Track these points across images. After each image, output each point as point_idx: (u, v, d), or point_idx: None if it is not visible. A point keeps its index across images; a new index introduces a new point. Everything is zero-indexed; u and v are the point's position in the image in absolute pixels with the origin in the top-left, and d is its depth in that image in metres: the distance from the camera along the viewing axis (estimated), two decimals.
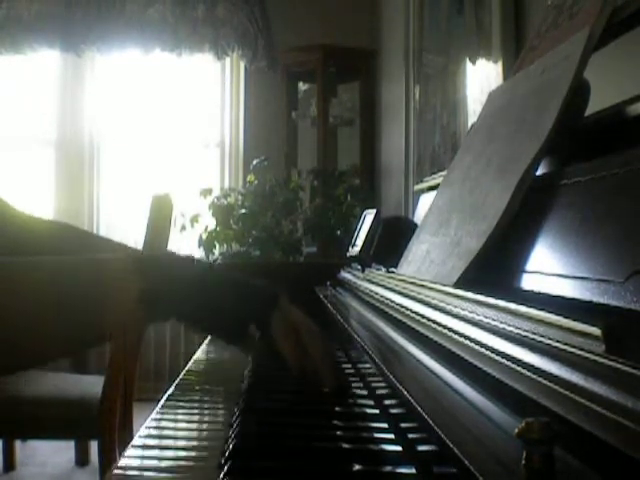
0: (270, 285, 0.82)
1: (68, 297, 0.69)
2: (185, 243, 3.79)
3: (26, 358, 0.71)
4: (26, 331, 0.66)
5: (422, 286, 0.73)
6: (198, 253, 3.72)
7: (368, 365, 0.76)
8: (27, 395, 2.11)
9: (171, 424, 0.69)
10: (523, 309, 0.45)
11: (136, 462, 0.57)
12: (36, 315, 0.66)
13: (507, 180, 0.67)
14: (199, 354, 1.09)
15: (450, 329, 0.56)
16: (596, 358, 0.34)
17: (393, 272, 0.95)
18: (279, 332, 0.77)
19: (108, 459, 1.99)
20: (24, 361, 0.73)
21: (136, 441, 0.61)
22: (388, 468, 0.53)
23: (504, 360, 0.43)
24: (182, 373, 0.94)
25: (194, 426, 0.71)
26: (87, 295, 0.70)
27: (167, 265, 0.76)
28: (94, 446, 2.21)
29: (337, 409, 0.71)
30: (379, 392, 0.69)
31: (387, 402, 0.65)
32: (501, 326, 0.47)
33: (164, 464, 0.56)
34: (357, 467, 0.53)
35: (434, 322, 0.61)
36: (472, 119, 2.04)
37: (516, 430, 0.30)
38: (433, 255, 0.81)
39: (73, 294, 0.69)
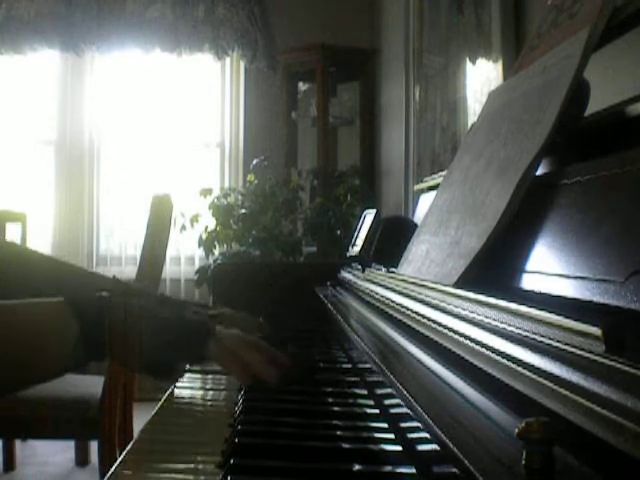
0: (202, 319, 0.86)
1: (4, 339, 0.73)
2: (185, 243, 3.80)
3: None
4: None
5: (422, 286, 0.73)
6: (198, 253, 3.72)
7: (368, 365, 0.76)
8: (27, 395, 2.11)
9: (171, 424, 0.69)
10: (523, 309, 0.45)
11: (136, 462, 0.57)
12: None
13: (507, 180, 0.67)
14: None
15: (450, 329, 0.56)
16: (596, 358, 0.34)
17: (393, 272, 0.95)
18: (220, 360, 0.81)
19: (108, 459, 1.99)
20: None
21: (136, 441, 0.61)
22: (388, 468, 0.53)
23: (504, 360, 0.43)
24: (182, 373, 0.93)
25: (194, 426, 0.71)
26: (24, 338, 0.74)
27: (100, 307, 0.79)
28: (94, 446, 2.21)
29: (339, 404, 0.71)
30: (379, 392, 0.69)
31: (387, 402, 0.65)
32: (501, 326, 0.47)
33: (164, 464, 0.56)
34: (357, 467, 0.53)
35: (434, 322, 0.60)
36: (472, 119, 2.04)
37: (516, 430, 0.30)
38: (433, 255, 0.81)
39: (9, 337, 0.74)
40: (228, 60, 4.06)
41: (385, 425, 0.63)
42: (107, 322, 0.77)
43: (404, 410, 0.55)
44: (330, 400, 0.75)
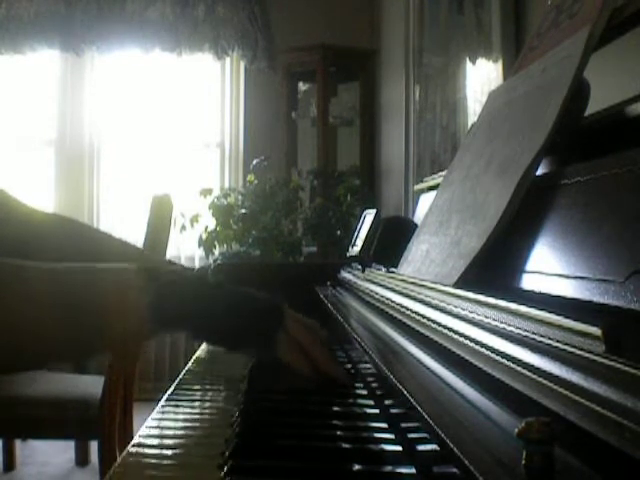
0: (273, 299, 0.83)
1: (72, 304, 0.70)
2: (185, 243, 3.80)
3: (27, 360, 0.71)
4: (29, 334, 0.67)
5: (422, 286, 0.73)
6: (198, 253, 3.72)
7: (368, 365, 0.76)
8: (27, 395, 2.11)
9: (171, 424, 0.69)
10: (523, 309, 0.45)
11: (136, 462, 0.57)
12: (39, 319, 0.67)
13: (507, 180, 0.67)
14: (199, 354, 1.09)
15: (450, 329, 0.56)
16: (596, 358, 0.34)
17: (393, 272, 0.95)
18: (287, 355, 0.78)
19: (108, 459, 1.99)
20: (25, 363, 0.73)
21: (136, 441, 0.61)
22: (388, 468, 0.53)
23: (504, 360, 0.43)
24: (182, 373, 0.93)
25: (194, 426, 0.71)
26: (90, 305, 0.71)
27: (173, 279, 0.76)
28: (94, 446, 2.21)
29: (339, 404, 0.71)
30: (379, 392, 0.69)
31: (387, 402, 0.65)
32: (501, 326, 0.47)
33: (164, 464, 0.56)
34: (357, 467, 0.53)
35: (434, 322, 0.60)
36: (472, 119, 2.04)
37: (516, 430, 0.30)
38: (433, 255, 0.81)
39: (77, 302, 0.70)
40: (228, 60, 4.07)
41: (385, 425, 0.63)
42: (185, 296, 0.74)
43: (404, 410, 0.55)
44: (330, 400, 0.75)
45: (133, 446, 0.60)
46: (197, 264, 3.81)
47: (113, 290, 0.72)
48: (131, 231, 3.97)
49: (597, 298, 0.45)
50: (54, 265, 0.73)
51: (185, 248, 3.90)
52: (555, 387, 0.35)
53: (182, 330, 0.80)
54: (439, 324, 0.59)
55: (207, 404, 0.78)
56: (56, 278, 0.70)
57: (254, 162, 3.41)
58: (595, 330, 0.35)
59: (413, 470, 0.51)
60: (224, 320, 0.78)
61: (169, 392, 0.82)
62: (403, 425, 0.57)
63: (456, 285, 0.65)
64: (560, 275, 0.52)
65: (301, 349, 0.78)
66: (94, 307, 0.71)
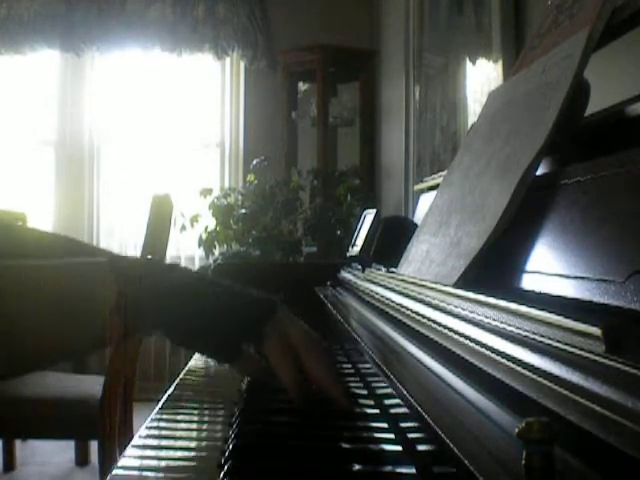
0: (267, 294, 0.75)
1: (64, 300, 0.68)
2: (185, 243, 3.80)
3: (29, 361, 0.70)
4: (29, 333, 0.66)
5: (422, 286, 0.73)
6: (198, 253, 3.72)
7: (368, 365, 0.76)
8: (27, 395, 2.11)
9: (171, 424, 0.69)
10: (523, 309, 0.45)
11: (136, 462, 0.57)
12: (37, 317, 0.66)
13: (507, 180, 0.67)
14: (199, 354, 1.09)
15: (450, 329, 0.56)
16: (596, 358, 0.34)
17: (393, 272, 0.95)
18: (274, 352, 0.70)
19: (108, 459, 1.99)
20: (26, 365, 0.72)
21: (136, 441, 0.61)
22: (388, 468, 0.53)
23: (504, 360, 0.43)
24: (182, 373, 0.93)
25: (194, 426, 0.71)
26: (60, 302, 0.67)
27: (151, 271, 0.71)
28: (94, 446, 2.21)
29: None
30: (379, 392, 0.69)
31: (387, 402, 0.65)
32: (501, 326, 0.47)
33: (164, 464, 0.56)
34: (357, 467, 0.53)
35: (434, 322, 0.60)
36: (472, 119, 2.04)
37: (516, 430, 0.30)
38: (433, 255, 0.81)
39: (67, 297, 0.68)
40: (228, 60, 4.07)
41: (385, 425, 0.63)
42: (162, 289, 0.68)
43: (404, 410, 0.55)
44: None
45: (133, 446, 0.60)
46: (197, 264, 3.81)
47: (80, 283, 0.69)
48: (131, 231, 3.98)
49: (597, 298, 0.45)
50: (42, 263, 0.71)
51: (185, 248, 3.89)
52: (555, 387, 0.35)
53: (163, 330, 0.72)
54: (439, 324, 0.59)
55: (207, 404, 0.78)
56: (47, 275, 0.69)
57: (254, 162, 3.41)
58: (595, 330, 0.35)
59: (413, 470, 0.51)
60: (208, 318, 0.70)
61: (169, 392, 0.81)
62: (403, 425, 0.57)
63: (456, 285, 0.65)
64: (560, 275, 0.52)
65: (290, 351, 0.70)
66: (74, 301, 0.68)
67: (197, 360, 1.04)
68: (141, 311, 0.69)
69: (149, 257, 0.69)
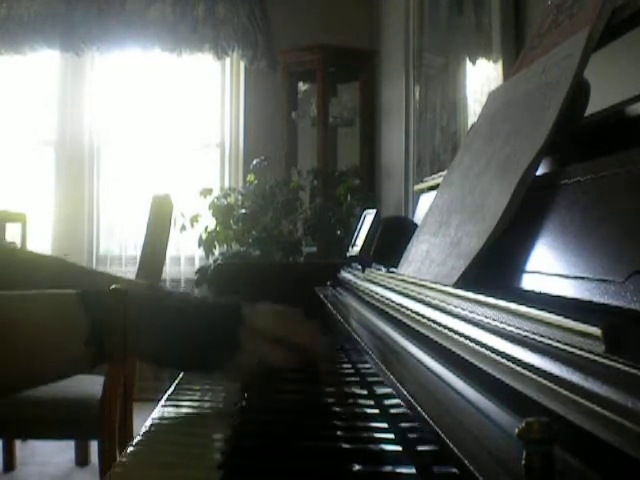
0: (231, 300, 0.78)
1: (21, 332, 0.68)
2: (185, 243, 3.80)
3: None
4: None
5: (422, 286, 0.73)
6: (198, 253, 3.72)
7: (368, 365, 0.76)
8: (27, 395, 2.11)
9: (171, 424, 0.69)
10: (523, 309, 0.45)
11: (136, 462, 0.57)
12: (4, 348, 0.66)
13: (507, 180, 0.67)
14: None
15: (450, 329, 0.56)
16: (596, 358, 0.34)
17: (393, 272, 0.95)
18: (252, 349, 0.73)
19: (108, 459, 1.99)
20: None
21: (136, 441, 0.61)
22: (388, 468, 0.53)
23: (504, 360, 0.43)
24: (182, 373, 0.93)
25: (194, 426, 0.71)
26: (26, 333, 0.68)
27: (117, 298, 0.72)
28: (94, 446, 2.21)
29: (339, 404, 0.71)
30: (379, 392, 0.69)
31: (387, 402, 0.65)
32: (501, 326, 0.47)
33: (164, 464, 0.56)
34: (357, 467, 0.53)
35: (434, 322, 0.60)
36: (472, 119, 2.04)
37: (516, 430, 0.30)
38: (433, 255, 0.81)
39: (24, 329, 0.68)
40: (228, 60, 4.07)
41: (385, 425, 0.63)
42: (123, 317, 0.69)
43: (404, 410, 0.55)
44: (330, 400, 0.75)
45: (133, 446, 0.60)
46: (197, 264, 3.81)
47: (45, 317, 0.69)
48: (131, 231, 3.98)
49: (597, 298, 0.45)
50: (10, 293, 0.71)
51: (185, 248, 3.90)
52: (555, 387, 0.35)
53: (139, 355, 0.76)
54: (439, 324, 0.59)
55: (207, 404, 0.78)
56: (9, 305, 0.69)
57: (254, 162, 3.41)
58: (595, 330, 0.35)
59: (413, 470, 0.51)
60: (180, 335, 0.73)
61: (169, 392, 0.81)
62: (403, 425, 0.57)
63: (456, 285, 0.65)
64: (560, 275, 0.52)
65: (269, 339, 0.74)
66: (23, 337, 0.68)
67: None
68: (111, 339, 0.70)
69: (115, 287, 0.70)
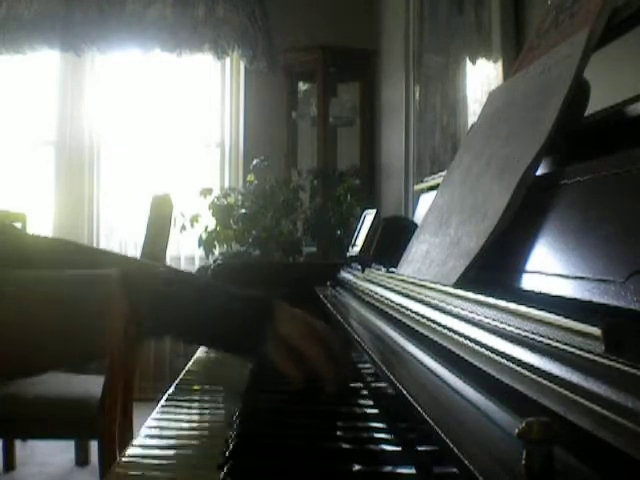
0: (266, 295, 0.80)
1: (65, 311, 0.70)
2: (185, 243, 3.80)
3: (28, 367, 0.72)
4: (28, 342, 0.67)
5: (422, 286, 0.73)
6: (198, 253, 3.72)
7: (368, 365, 0.76)
8: (27, 395, 2.11)
9: (171, 424, 0.69)
10: (523, 309, 0.45)
11: (136, 462, 0.57)
12: (37, 327, 0.67)
13: (507, 180, 0.67)
14: (199, 354, 1.09)
15: (450, 329, 0.56)
16: (596, 358, 0.34)
17: (393, 272, 0.95)
18: (278, 358, 0.75)
19: (108, 459, 1.99)
20: (26, 370, 0.74)
21: (136, 441, 0.61)
22: (388, 468, 0.53)
23: (504, 360, 0.43)
24: (182, 373, 0.93)
25: (194, 426, 0.71)
26: (79, 312, 0.71)
27: (157, 281, 0.76)
28: (94, 446, 2.21)
29: (337, 407, 0.71)
30: (378, 392, 0.69)
31: (387, 402, 0.65)
32: (501, 326, 0.47)
33: (164, 464, 0.56)
34: (357, 467, 0.53)
35: (434, 322, 0.60)
36: (472, 119, 2.04)
37: (516, 430, 0.30)
38: (433, 255, 0.81)
39: (69, 308, 0.70)
40: (228, 60, 4.07)
41: (385, 425, 0.63)
42: (169, 298, 0.73)
43: (404, 410, 0.55)
44: (330, 400, 0.75)
45: (133, 446, 0.60)
46: (197, 264, 3.81)
47: (92, 297, 0.72)
48: (131, 231, 3.98)
49: (597, 298, 0.45)
50: (43, 273, 0.73)
51: (185, 248, 3.89)
52: (555, 387, 0.35)
53: (173, 335, 0.79)
54: (439, 324, 0.59)
55: (207, 404, 0.78)
56: (48, 285, 0.70)
57: (254, 162, 3.40)
58: (595, 330, 0.35)
59: (413, 470, 0.51)
60: (210, 322, 0.76)
61: (169, 392, 0.81)
62: (403, 425, 0.57)
63: (456, 285, 0.65)
64: (560, 275, 0.52)
65: (291, 348, 0.75)
66: (83, 314, 0.70)
67: (197, 360, 1.04)
68: (152, 320, 0.73)
69: (151, 264, 0.75)
